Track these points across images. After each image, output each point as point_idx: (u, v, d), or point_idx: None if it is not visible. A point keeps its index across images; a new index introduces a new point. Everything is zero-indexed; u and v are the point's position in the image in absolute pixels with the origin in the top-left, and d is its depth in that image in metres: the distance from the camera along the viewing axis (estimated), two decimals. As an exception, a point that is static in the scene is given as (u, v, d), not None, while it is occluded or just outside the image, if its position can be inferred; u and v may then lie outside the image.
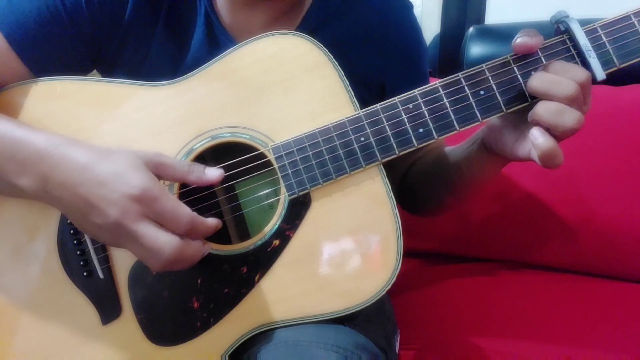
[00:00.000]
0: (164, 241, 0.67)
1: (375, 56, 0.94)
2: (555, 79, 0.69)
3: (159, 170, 0.70)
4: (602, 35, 0.71)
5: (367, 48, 0.93)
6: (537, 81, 0.70)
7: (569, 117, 0.69)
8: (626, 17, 0.71)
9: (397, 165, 0.84)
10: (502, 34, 1.52)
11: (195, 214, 0.70)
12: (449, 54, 1.71)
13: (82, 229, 0.74)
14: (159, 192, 0.67)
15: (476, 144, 0.84)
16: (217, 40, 0.88)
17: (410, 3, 1.00)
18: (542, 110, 0.70)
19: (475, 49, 1.50)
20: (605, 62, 0.71)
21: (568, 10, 0.73)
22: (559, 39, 0.73)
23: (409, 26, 0.98)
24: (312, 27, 0.78)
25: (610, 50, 0.71)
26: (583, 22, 0.72)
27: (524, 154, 0.75)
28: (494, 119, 0.78)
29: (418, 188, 1.00)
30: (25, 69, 0.83)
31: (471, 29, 1.53)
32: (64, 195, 0.70)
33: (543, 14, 1.42)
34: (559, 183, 1.25)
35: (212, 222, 0.72)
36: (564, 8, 0.73)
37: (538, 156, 0.71)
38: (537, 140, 0.70)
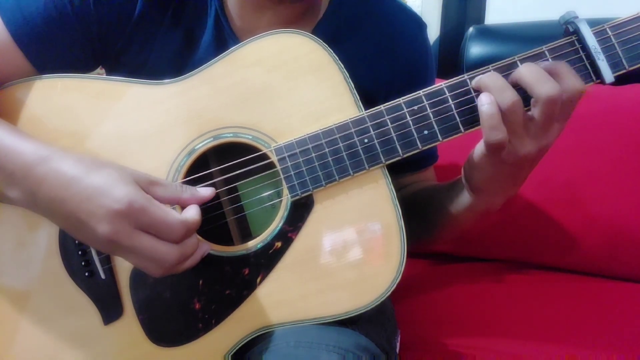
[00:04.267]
0: (164, 251, 0.66)
1: (384, 72, 0.94)
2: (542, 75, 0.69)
3: (150, 190, 0.69)
4: (612, 36, 0.71)
5: (376, 63, 0.93)
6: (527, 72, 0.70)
7: (549, 85, 0.69)
8: (637, 18, 0.71)
9: None
10: (502, 34, 1.52)
11: (185, 217, 0.68)
12: (449, 54, 1.71)
13: (78, 239, 0.74)
14: (145, 203, 0.66)
15: (456, 179, 0.84)
16: (225, 44, 0.87)
17: (424, 23, 1.00)
18: (527, 72, 0.70)
19: (475, 49, 1.50)
20: (614, 65, 0.71)
21: (574, 12, 0.73)
22: (567, 40, 0.72)
23: (421, 45, 0.99)
24: (323, 38, 0.78)
25: (620, 53, 0.70)
26: (588, 22, 0.71)
27: (478, 148, 0.75)
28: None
29: None
30: (29, 66, 0.82)
31: (471, 29, 1.53)
32: (53, 210, 0.69)
33: (543, 14, 1.43)
34: (559, 183, 1.25)
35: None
36: (563, 8, 0.73)
37: (482, 124, 0.71)
38: (483, 107, 0.70)
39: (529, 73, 0.70)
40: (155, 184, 0.70)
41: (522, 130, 0.71)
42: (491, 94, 0.70)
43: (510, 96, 0.69)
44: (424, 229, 0.95)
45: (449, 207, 0.86)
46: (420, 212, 0.93)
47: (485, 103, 0.70)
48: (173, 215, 0.67)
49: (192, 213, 0.70)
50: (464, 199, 0.83)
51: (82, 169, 0.68)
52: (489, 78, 0.71)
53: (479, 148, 0.74)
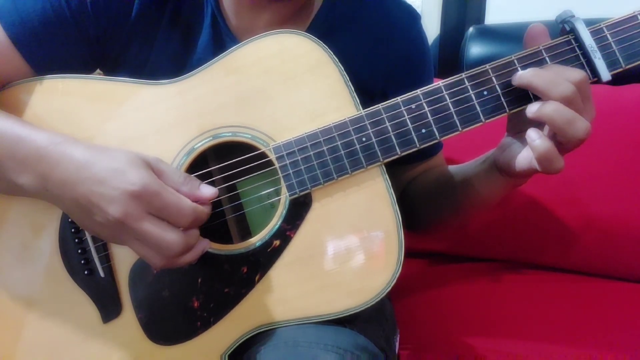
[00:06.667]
0: (169, 238, 0.67)
1: (380, 65, 0.93)
2: (553, 78, 0.68)
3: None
4: (608, 35, 0.71)
5: (372, 56, 0.93)
6: (536, 78, 0.69)
7: (580, 125, 0.68)
8: (633, 17, 0.71)
9: (396, 180, 0.84)
10: (502, 34, 1.52)
11: (196, 204, 0.70)
12: (449, 54, 1.70)
13: (83, 227, 0.74)
14: (159, 188, 0.67)
15: (487, 163, 0.83)
16: (223, 43, 0.88)
17: (418, 14, 1.00)
18: (553, 112, 0.68)
19: (475, 49, 1.50)
20: (611, 63, 0.71)
21: (570, 10, 0.73)
22: (564, 39, 0.72)
23: (416, 36, 0.98)
24: (319, 33, 0.78)
25: (617, 51, 0.71)
26: (587, 22, 0.71)
27: (525, 163, 0.74)
28: (505, 138, 0.78)
29: (418, 205, 0.99)
30: (28, 68, 0.82)
31: (471, 29, 1.53)
32: (64, 194, 0.70)
33: (543, 13, 1.43)
34: (559, 183, 1.25)
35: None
36: (565, 8, 0.73)
37: (536, 159, 0.70)
38: (535, 142, 0.70)
39: (538, 78, 0.69)
40: (159, 172, 0.71)
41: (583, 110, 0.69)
42: (548, 103, 0.68)
43: (567, 87, 0.68)
44: (451, 211, 0.95)
45: (480, 190, 0.85)
46: (447, 197, 0.93)
47: (536, 139, 0.70)
48: (185, 200, 0.69)
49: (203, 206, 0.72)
50: (498, 182, 0.82)
51: (95, 153, 0.70)
52: (539, 76, 0.69)
53: (524, 163, 0.74)
